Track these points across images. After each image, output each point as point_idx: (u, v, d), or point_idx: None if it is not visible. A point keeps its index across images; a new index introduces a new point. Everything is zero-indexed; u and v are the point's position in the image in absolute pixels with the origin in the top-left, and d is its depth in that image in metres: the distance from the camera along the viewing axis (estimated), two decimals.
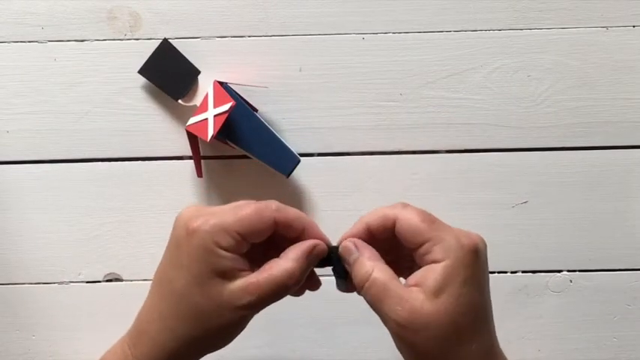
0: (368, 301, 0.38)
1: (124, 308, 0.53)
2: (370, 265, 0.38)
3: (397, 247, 0.40)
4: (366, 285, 0.38)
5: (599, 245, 0.53)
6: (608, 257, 0.53)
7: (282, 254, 0.38)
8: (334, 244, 0.40)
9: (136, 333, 0.39)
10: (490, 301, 0.39)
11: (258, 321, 0.53)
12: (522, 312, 0.53)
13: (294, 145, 0.51)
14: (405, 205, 0.38)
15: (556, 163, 0.52)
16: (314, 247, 0.38)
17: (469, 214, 0.53)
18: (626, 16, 0.51)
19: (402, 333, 0.37)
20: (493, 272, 0.53)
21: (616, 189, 0.53)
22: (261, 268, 0.38)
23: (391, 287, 0.37)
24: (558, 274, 0.53)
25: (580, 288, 0.53)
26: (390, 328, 0.37)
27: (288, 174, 0.50)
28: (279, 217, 0.38)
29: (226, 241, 0.37)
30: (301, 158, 0.50)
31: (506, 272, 0.53)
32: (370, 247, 0.39)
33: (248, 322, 0.39)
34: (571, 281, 0.53)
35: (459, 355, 0.37)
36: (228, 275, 0.37)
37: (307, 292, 0.53)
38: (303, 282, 0.38)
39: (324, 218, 0.53)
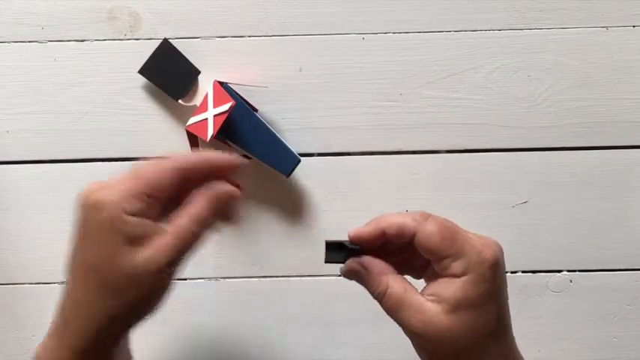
0: (387, 313, 0.38)
1: None
2: (385, 279, 0.38)
3: (409, 250, 0.40)
4: (384, 300, 0.38)
5: (599, 245, 0.53)
6: (608, 257, 0.53)
7: (185, 203, 0.37)
8: (345, 238, 0.39)
9: (54, 329, 0.38)
10: (508, 308, 0.39)
11: (259, 321, 0.53)
12: (522, 312, 0.53)
13: (294, 145, 0.51)
14: (425, 217, 0.38)
15: (556, 163, 0.52)
16: (216, 193, 0.37)
17: (469, 214, 0.53)
18: (626, 16, 0.51)
19: (419, 342, 0.38)
20: None
21: (616, 189, 0.53)
22: (168, 225, 0.36)
23: (406, 299, 0.37)
24: (558, 274, 0.53)
25: (580, 288, 0.53)
26: (408, 337, 0.38)
27: (289, 174, 0.50)
28: (181, 164, 0.37)
29: (134, 205, 0.36)
30: (301, 158, 0.50)
31: (506, 272, 0.53)
32: (378, 260, 0.39)
33: (172, 281, 0.38)
34: (571, 281, 0.53)
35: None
36: (140, 242, 0.36)
37: (309, 293, 0.54)
38: (211, 225, 0.37)
39: (324, 218, 0.53)
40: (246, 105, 0.50)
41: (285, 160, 0.50)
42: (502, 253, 0.38)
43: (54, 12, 0.52)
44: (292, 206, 0.53)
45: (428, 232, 0.37)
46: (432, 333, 0.37)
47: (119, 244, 0.36)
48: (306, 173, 0.52)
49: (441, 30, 0.52)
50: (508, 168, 0.53)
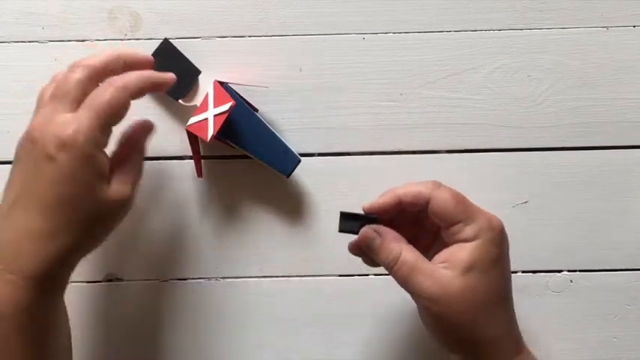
0: (398, 281, 0.40)
1: (124, 308, 0.53)
2: (397, 247, 0.40)
3: (419, 224, 0.42)
4: (396, 267, 0.40)
5: (599, 245, 0.53)
6: (608, 257, 0.53)
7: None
8: (360, 211, 0.42)
9: (3, 255, 0.38)
10: (511, 274, 0.41)
11: (259, 321, 0.53)
12: (522, 312, 0.53)
13: (294, 145, 0.51)
14: (437, 185, 0.40)
15: (556, 163, 0.52)
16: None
17: None
18: (626, 16, 0.51)
19: (434, 307, 0.39)
20: None
21: (616, 189, 0.53)
22: (121, 159, 0.43)
23: (420, 266, 0.39)
24: (558, 274, 0.53)
25: (580, 288, 0.53)
26: (421, 304, 0.40)
27: (289, 174, 0.50)
28: (133, 89, 0.41)
29: (102, 140, 0.39)
30: (301, 158, 0.50)
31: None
32: (391, 230, 0.41)
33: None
34: (571, 281, 0.53)
35: (488, 323, 0.40)
36: (107, 176, 0.40)
37: (309, 293, 0.54)
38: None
39: (324, 218, 0.53)
40: (247, 105, 0.50)
41: (285, 160, 0.50)
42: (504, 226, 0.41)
43: (54, 12, 0.52)
44: (292, 206, 0.53)
45: (442, 198, 0.40)
46: (446, 296, 0.38)
47: (93, 180, 0.39)
48: (306, 173, 0.52)
49: (441, 30, 0.52)
50: (508, 168, 0.53)
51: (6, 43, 0.52)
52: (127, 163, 0.42)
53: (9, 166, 0.52)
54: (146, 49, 0.50)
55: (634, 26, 0.52)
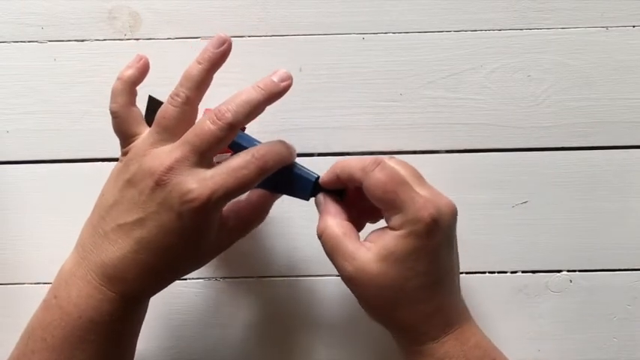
0: (325, 253, 0.41)
1: None
2: (324, 220, 0.41)
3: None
4: (321, 240, 0.41)
5: (599, 245, 0.53)
6: (608, 257, 0.53)
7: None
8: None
9: (108, 277, 0.40)
10: (448, 267, 0.40)
11: (259, 320, 0.53)
12: (522, 312, 0.53)
13: (295, 145, 0.51)
14: (377, 165, 0.39)
15: (556, 163, 0.52)
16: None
17: (469, 214, 0.53)
18: (626, 16, 0.51)
19: (350, 285, 0.40)
20: (493, 272, 0.53)
21: (616, 189, 0.53)
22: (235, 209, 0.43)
23: (342, 245, 0.40)
24: (558, 274, 0.53)
25: (580, 288, 0.53)
26: (341, 279, 0.40)
27: (308, 196, 0.45)
28: (259, 172, 0.40)
29: (224, 204, 0.40)
30: (301, 159, 0.50)
31: (506, 272, 0.53)
32: (334, 202, 0.42)
33: None
34: (571, 281, 0.53)
35: (403, 312, 0.39)
36: (223, 224, 0.42)
37: (309, 293, 0.54)
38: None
39: None
40: (246, 138, 0.45)
41: (300, 185, 0.44)
42: (451, 214, 0.40)
43: (54, 12, 0.52)
44: (291, 206, 0.53)
45: (372, 183, 0.39)
46: (360, 279, 0.39)
47: (209, 235, 0.40)
48: None
49: (441, 30, 0.52)
50: (508, 168, 0.53)
51: (6, 43, 0.52)
52: (248, 212, 0.44)
53: (9, 166, 0.53)
54: (146, 49, 0.50)
55: (634, 26, 0.52)
